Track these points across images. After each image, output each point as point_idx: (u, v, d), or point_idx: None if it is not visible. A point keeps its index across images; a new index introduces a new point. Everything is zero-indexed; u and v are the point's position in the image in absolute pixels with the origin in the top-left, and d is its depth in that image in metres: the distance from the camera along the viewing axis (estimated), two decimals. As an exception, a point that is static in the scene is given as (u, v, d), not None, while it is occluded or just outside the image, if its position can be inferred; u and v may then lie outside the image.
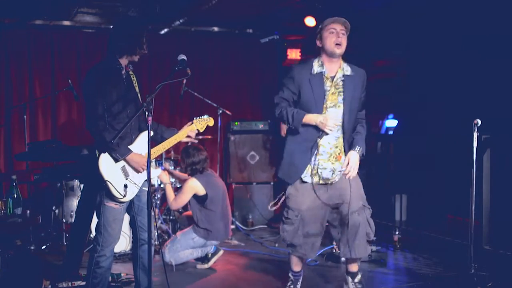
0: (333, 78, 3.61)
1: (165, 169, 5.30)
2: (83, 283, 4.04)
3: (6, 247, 4.01)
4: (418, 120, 5.95)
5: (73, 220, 5.33)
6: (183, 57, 3.43)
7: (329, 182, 3.67)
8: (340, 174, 3.66)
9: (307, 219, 3.71)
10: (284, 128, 6.25)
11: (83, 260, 4.34)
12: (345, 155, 3.66)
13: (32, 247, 5.36)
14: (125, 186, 3.47)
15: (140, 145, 3.62)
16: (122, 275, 4.35)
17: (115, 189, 3.44)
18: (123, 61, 3.58)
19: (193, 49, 6.88)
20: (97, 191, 3.53)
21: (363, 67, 3.79)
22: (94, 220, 4.94)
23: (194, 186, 4.85)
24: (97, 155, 3.47)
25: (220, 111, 6.33)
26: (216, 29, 7.21)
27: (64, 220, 5.40)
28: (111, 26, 3.82)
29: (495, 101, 5.00)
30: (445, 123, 5.65)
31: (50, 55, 6.58)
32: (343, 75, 3.63)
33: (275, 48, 7.55)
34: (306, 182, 3.67)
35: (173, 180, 5.79)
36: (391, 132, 6.37)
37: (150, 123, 3.20)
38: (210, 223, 4.86)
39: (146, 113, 3.18)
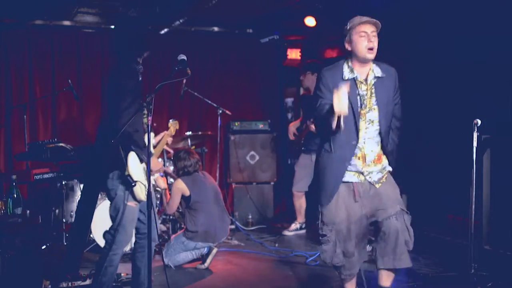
0: (366, 80, 3.36)
1: (163, 176, 5.33)
2: (83, 283, 4.05)
3: (6, 247, 4.01)
4: (418, 120, 5.94)
5: (73, 220, 5.33)
6: (183, 57, 3.47)
7: (379, 185, 3.41)
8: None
9: (343, 234, 3.39)
10: (291, 132, 6.24)
11: (83, 260, 4.35)
12: (384, 153, 3.44)
13: (32, 247, 5.35)
14: (145, 186, 3.53)
15: None
16: (122, 275, 4.35)
17: (142, 189, 3.49)
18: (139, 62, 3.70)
19: (193, 49, 6.88)
20: (117, 191, 3.53)
21: None
22: (94, 220, 4.96)
23: (180, 187, 4.93)
24: (123, 156, 3.47)
25: (220, 111, 6.33)
26: (216, 29, 7.21)
27: (64, 220, 5.40)
28: (117, 28, 3.96)
29: (495, 101, 5.00)
30: (445, 123, 5.65)
31: (50, 55, 6.58)
32: (375, 77, 3.37)
33: (275, 48, 7.55)
34: (343, 185, 3.38)
35: (173, 180, 5.80)
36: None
37: (150, 122, 3.25)
38: (196, 225, 4.90)
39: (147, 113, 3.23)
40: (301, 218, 6.31)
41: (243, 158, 6.94)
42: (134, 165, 3.50)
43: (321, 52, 7.49)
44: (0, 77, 6.38)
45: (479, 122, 4.12)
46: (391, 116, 3.44)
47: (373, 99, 3.35)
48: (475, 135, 4.14)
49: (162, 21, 6.68)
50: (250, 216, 6.77)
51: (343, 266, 3.46)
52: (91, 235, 5.09)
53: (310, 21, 6.53)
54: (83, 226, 4.32)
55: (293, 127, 6.27)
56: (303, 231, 6.31)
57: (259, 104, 7.57)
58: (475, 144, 4.16)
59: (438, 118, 5.77)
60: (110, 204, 3.60)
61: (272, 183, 6.98)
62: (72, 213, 5.40)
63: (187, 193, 4.92)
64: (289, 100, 7.81)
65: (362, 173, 3.40)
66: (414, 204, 6.21)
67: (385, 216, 3.34)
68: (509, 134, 4.76)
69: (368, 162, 3.39)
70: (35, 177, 4.80)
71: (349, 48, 3.36)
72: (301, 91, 6.44)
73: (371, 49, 3.28)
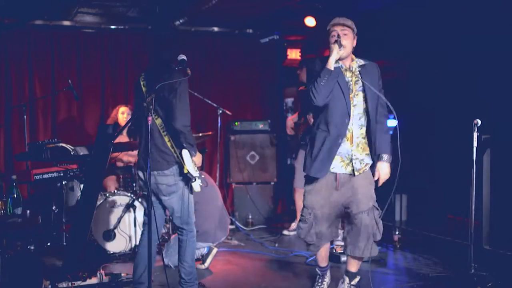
0: (350, 68, 3.70)
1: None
2: (83, 283, 4.06)
3: (6, 247, 4.01)
4: (418, 120, 5.94)
5: (73, 220, 5.33)
6: (183, 57, 3.49)
7: (358, 173, 3.70)
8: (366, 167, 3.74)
9: (320, 218, 3.78)
10: (289, 126, 6.24)
11: (83, 260, 4.34)
12: (368, 144, 3.72)
13: (32, 247, 5.36)
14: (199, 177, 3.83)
15: None
16: (122, 275, 4.35)
17: (199, 184, 3.75)
18: None
19: (193, 49, 6.87)
20: (179, 185, 3.76)
21: None
22: (94, 220, 4.94)
23: None
24: (178, 154, 3.68)
25: (220, 111, 6.33)
26: (216, 29, 7.21)
27: (64, 220, 5.40)
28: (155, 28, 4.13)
29: (495, 101, 5.00)
30: (445, 123, 5.65)
31: (50, 55, 6.58)
32: (359, 66, 3.72)
33: (275, 48, 7.55)
34: (325, 176, 3.71)
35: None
36: (391, 132, 6.36)
37: (150, 123, 3.25)
38: (196, 225, 4.88)
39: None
40: (301, 218, 6.31)
41: (243, 158, 6.94)
42: (189, 162, 3.71)
43: (321, 52, 7.48)
44: (0, 77, 6.39)
45: (479, 122, 4.12)
46: (376, 101, 3.71)
47: (357, 85, 3.68)
48: (475, 135, 4.15)
49: (162, 21, 6.68)
50: (250, 216, 6.77)
51: (313, 244, 3.89)
52: (91, 235, 5.09)
53: (310, 21, 6.52)
54: (83, 226, 4.32)
55: (291, 121, 6.28)
56: (303, 231, 6.31)
57: (259, 104, 7.57)
58: (475, 144, 4.16)
59: (438, 118, 5.77)
60: (167, 197, 3.80)
61: (272, 183, 6.98)
62: (72, 213, 5.40)
63: None
64: (289, 100, 7.82)
65: (351, 160, 3.68)
66: (414, 204, 6.22)
67: (358, 210, 3.69)
68: (509, 134, 4.77)
69: (354, 143, 3.69)
70: (35, 177, 4.80)
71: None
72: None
73: (339, 46, 3.57)
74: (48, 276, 4.03)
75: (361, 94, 3.68)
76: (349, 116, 3.64)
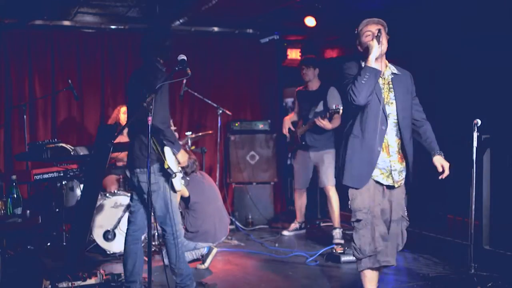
0: (383, 75, 3.52)
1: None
2: (83, 283, 4.06)
3: (6, 247, 4.02)
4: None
5: (73, 220, 5.33)
6: (183, 57, 3.50)
7: (397, 185, 3.55)
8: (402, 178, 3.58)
9: (378, 216, 3.48)
10: (286, 126, 6.19)
11: (83, 260, 4.34)
12: (403, 153, 3.53)
13: (32, 247, 5.36)
14: (181, 177, 3.85)
15: None
16: (122, 275, 4.35)
17: (180, 180, 3.77)
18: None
19: (193, 49, 6.87)
20: (160, 183, 3.74)
21: None
22: (94, 220, 4.95)
23: None
24: (160, 150, 3.67)
25: (220, 111, 6.33)
26: (216, 29, 7.21)
27: (64, 220, 5.40)
28: (151, 32, 4.11)
29: (495, 101, 5.00)
30: (445, 123, 5.64)
31: (50, 55, 6.57)
32: (392, 73, 3.56)
33: (275, 48, 7.55)
34: (374, 181, 3.50)
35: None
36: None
37: (150, 123, 3.26)
38: (195, 225, 4.91)
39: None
40: (300, 217, 6.31)
41: (243, 158, 6.94)
42: (171, 158, 3.71)
43: (321, 52, 7.49)
44: (0, 77, 6.38)
45: (479, 122, 4.13)
46: (410, 111, 3.59)
47: (391, 94, 3.52)
48: (475, 135, 4.15)
49: (162, 21, 6.68)
50: (250, 216, 6.76)
51: (380, 252, 3.45)
52: (91, 235, 5.09)
53: (310, 21, 6.51)
54: (83, 226, 4.32)
55: (288, 121, 6.23)
56: (303, 231, 6.31)
57: (259, 104, 7.57)
58: (475, 144, 4.16)
59: (438, 118, 5.76)
60: (153, 196, 3.76)
61: (272, 183, 6.98)
62: (72, 213, 5.40)
63: (186, 194, 4.92)
64: (289, 100, 7.81)
65: (391, 172, 3.50)
66: (414, 204, 6.21)
67: (389, 219, 3.56)
68: (509, 134, 4.77)
69: (392, 153, 3.49)
70: (35, 177, 4.81)
71: (361, 50, 3.55)
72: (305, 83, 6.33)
73: (378, 42, 3.42)
74: (48, 276, 4.03)
75: (395, 103, 3.50)
76: (387, 122, 3.45)
